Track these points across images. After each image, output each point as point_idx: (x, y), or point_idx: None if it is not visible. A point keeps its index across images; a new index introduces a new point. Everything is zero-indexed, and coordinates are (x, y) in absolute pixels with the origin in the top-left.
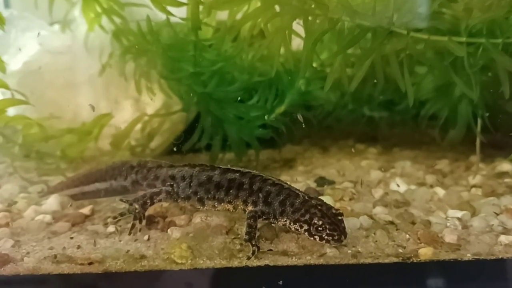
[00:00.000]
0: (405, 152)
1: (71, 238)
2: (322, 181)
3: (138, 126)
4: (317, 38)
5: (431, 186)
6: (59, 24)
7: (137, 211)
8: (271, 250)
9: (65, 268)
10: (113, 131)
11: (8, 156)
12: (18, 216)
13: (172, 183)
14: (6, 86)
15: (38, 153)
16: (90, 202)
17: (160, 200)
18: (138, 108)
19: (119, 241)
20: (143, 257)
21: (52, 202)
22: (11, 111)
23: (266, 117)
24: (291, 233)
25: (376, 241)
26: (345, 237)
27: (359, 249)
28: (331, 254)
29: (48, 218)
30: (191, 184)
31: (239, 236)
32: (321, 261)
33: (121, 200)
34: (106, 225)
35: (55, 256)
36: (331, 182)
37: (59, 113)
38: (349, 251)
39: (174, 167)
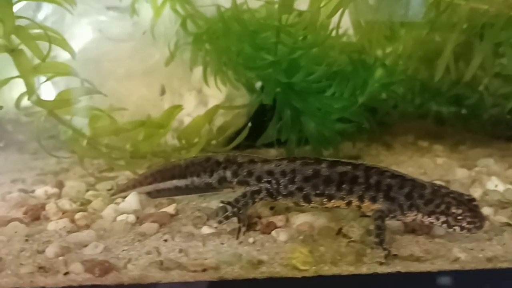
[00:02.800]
0: (476, 150)
1: (165, 240)
2: None
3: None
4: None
5: None
6: (116, 9)
7: (240, 212)
8: (396, 255)
9: (176, 276)
10: (176, 125)
11: (78, 151)
12: (96, 216)
13: (270, 179)
14: (74, 73)
15: (108, 147)
16: (168, 200)
17: (261, 199)
18: (201, 100)
19: (221, 244)
20: (260, 262)
21: (131, 200)
22: None
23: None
24: (407, 235)
25: (504, 243)
26: (484, 223)
27: (489, 253)
28: (465, 259)
29: (131, 218)
30: (295, 180)
31: (352, 238)
32: (456, 266)
33: (222, 202)
34: (196, 225)
35: (161, 262)
36: None
37: (119, 104)
38: (480, 255)
39: (270, 161)
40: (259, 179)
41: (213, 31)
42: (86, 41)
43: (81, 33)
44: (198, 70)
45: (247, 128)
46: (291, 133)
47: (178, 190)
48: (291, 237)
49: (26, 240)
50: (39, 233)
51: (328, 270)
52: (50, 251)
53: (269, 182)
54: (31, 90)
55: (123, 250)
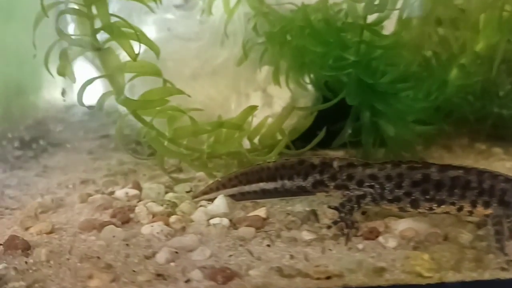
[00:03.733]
0: None
1: (268, 245)
2: None
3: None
4: None
5: None
6: (182, 8)
7: (346, 217)
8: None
9: (299, 283)
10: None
11: (159, 151)
12: (187, 219)
13: (372, 183)
14: (158, 73)
15: (187, 148)
16: (252, 203)
17: (365, 204)
18: (266, 101)
19: (329, 250)
20: (382, 270)
21: (219, 203)
22: None
23: None
24: None
25: None
26: None
27: None
28: None
29: (225, 222)
30: (402, 184)
31: (463, 244)
32: None
33: (330, 207)
34: (290, 230)
35: (279, 269)
36: None
37: (186, 105)
38: None
39: (372, 165)
40: (360, 184)
41: (289, 30)
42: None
43: (147, 32)
44: (263, 70)
45: (323, 131)
46: (369, 135)
47: (265, 194)
48: (400, 244)
49: (127, 245)
50: (135, 237)
51: (452, 276)
52: (161, 257)
53: (371, 186)
54: (120, 90)
55: (230, 255)
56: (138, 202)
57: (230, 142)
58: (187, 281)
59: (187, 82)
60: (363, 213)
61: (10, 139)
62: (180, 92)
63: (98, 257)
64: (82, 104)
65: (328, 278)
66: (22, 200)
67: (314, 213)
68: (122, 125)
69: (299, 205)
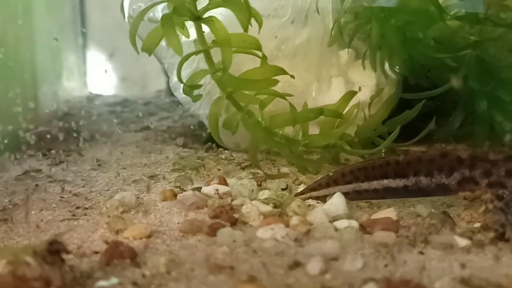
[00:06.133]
0: None
1: (421, 253)
2: None
3: None
4: None
5: None
6: None
7: (511, 218)
8: None
9: None
10: None
11: (255, 139)
12: (304, 221)
13: None
14: (259, 48)
15: (286, 138)
16: (368, 204)
17: None
18: (349, 88)
19: (496, 257)
20: None
21: (337, 203)
22: None
23: None
24: None
25: None
26: None
27: None
28: None
29: (355, 224)
30: None
31: None
32: None
33: (495, 206)
34: (430, 234)
35: (463, 280)
36: None
37: None
38: None
39: None
40: None
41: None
42: (228, 16)
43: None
44: (345, 53)
45: (432, 122)
46: (484, 127)
47: (389, 192)
48: None
49: (254, 252)
50: (253, 241)
51: None
52: (314, 267)
53: None
54: (226, 65)
55: (385, 265)
56: (232, 200)
57: (333, 133)
58: None
59: None
60: None
61: (46, 130)
62: (283, 71)
63: (232, 268)
64: (182, 82)
65: None
66: (90, 197)
67: (448, 215)
68: (217, 111)
69: (421, 206)
